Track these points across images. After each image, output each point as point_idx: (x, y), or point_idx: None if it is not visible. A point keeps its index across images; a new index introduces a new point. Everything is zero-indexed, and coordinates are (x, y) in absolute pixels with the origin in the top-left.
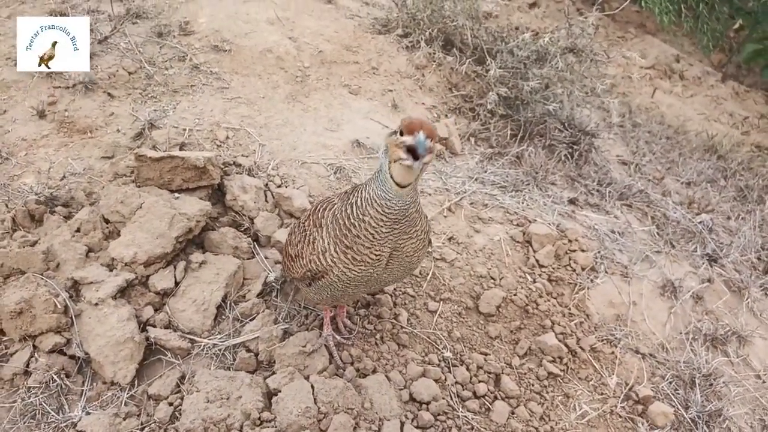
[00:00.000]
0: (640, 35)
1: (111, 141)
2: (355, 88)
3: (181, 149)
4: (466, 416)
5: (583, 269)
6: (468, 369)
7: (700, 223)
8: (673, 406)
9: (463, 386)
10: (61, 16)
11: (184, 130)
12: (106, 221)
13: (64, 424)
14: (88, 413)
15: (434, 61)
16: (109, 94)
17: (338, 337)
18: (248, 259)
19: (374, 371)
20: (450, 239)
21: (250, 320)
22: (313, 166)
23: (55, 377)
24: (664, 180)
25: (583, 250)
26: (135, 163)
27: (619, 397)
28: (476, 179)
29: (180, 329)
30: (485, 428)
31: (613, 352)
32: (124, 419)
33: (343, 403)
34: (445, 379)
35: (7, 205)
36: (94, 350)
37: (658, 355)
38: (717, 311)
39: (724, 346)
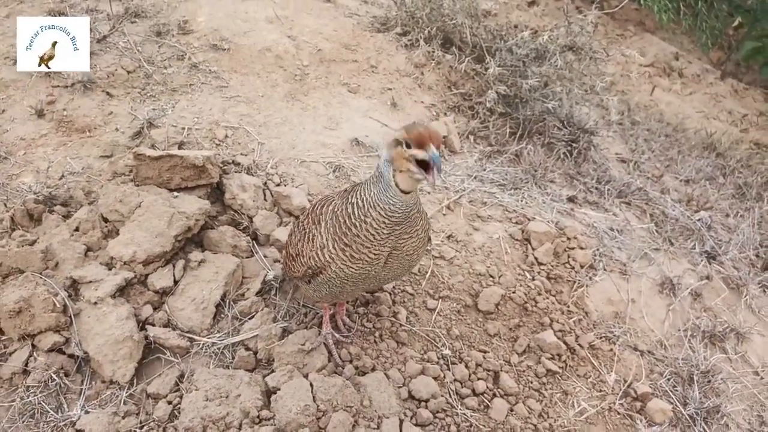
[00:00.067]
0: (639, 33)
1: (110, 140)
2: (354, 86)
3: (179, 148)
4: (464, 414)
5: (581, 267)
6: (467, 366)
7: (698, 220)
8: (672, 403)
9: (462, 384)
10: (59, 15)
11: (183, 128)
12: (105, 220)
13: (63, 423)
14: (87, 412)
15: (433, 60)
16: (107, 93)
17: (337, 335)
18: (247, 257)
19: (373, 369)
20: (449, 237)
21: (249, 319)
22: (312, 164)
23: (54, 376)
24: (662, 177)
25: (581, 248)
26: (134, 162)
27: (618, 394)
28: (475, 177)
29: (179, 328)
30: (484, 425)
31: (611, 350)
32: (123, 418)
33: (342, 401)
34: (444, 377)
35: (5, 205)
36: (93, 349)
37: (657, 352)
38: (715, 308)
39: (722, 343)
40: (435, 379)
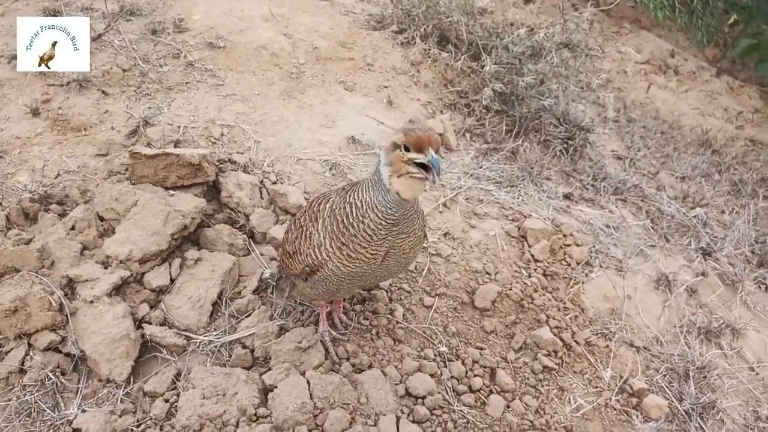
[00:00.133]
0: (635, 30)
1: (105, 138)
2: (350, 84)
3: (175, 146)
4: (461, 410)
5: (578, 263)
6: (463, 363)
7: (694, 217)
8: (668, 399)
9: (458, 380)
10: (55, 13)
11: (179, 127)
12: (101, 219)
13: (60, 421)
14: (83, 411)
15: (429, 57)
16: (103, 92)
17: (334, 333)
18: (244, 255)
19: (370, 366)
20: (445, 235)
21: (246, 317)
22: (308, 162)
23: (50, 375)
24: (658, 174)
25: (578, 245)
26: (129, 161)
27: (614, 390)
28: (471, 175)
29: (175, 326)
30: (481, 422)
31: (607, 346)
32: (120, 416)
33: (339, 399)
34: (441, 374)
35: (1, 204)
36: (90, 348)
37: (653, 348)
38: (711, 304)
39: (717, 339)
40: (432, 376)
